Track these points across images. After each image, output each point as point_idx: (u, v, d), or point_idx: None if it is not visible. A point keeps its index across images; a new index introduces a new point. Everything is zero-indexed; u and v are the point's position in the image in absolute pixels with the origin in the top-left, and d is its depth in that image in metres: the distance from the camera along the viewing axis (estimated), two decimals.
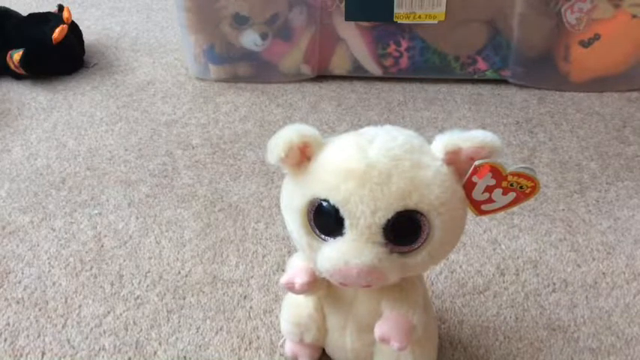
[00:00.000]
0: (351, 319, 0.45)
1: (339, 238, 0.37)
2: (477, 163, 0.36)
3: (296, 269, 0.43)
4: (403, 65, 0.91)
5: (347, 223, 0.36)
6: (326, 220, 0.37)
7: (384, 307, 0.42)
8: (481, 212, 0.39)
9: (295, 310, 0.47)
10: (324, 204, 0.37)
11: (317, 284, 0.43)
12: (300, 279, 0.42)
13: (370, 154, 0.36)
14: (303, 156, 0.38)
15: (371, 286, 0.38)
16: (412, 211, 0.36)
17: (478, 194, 0.38)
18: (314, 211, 0.38)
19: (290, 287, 0.43)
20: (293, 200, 0.39)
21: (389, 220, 0.35)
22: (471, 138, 0.36)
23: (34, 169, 0.75)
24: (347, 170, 0.36)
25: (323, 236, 0.38)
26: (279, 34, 0.89)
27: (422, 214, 0.36)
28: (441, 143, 0.37)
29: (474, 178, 0.37)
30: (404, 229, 0.36)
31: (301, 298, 0.46)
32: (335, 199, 0.36)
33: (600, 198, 0.69)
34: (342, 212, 0.36)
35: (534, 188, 0.37)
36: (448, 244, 0.39)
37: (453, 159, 0.37)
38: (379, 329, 0.41)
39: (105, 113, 0.86)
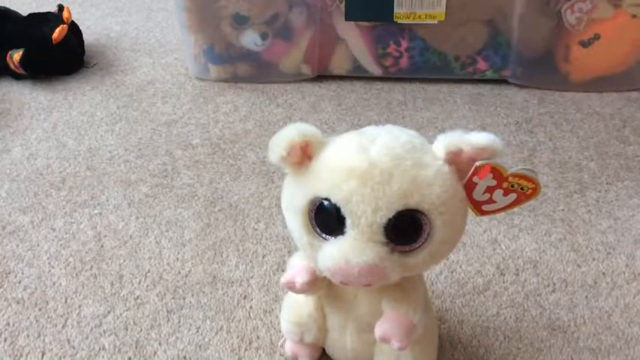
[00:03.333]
0: (351, 318, 0.45)
1: (340, 237, 0.37)
2: (477, 163, 0.36)
3: (297, 268, 0.43)
4: (403, 65, 0.91)
5: (348, 222, 0.36)
6: (327, 218, 0.37)
7: (384, 306, 0.42)
8: (482, 212, 0.39)
9: (295, 309, 0.47)
10: (326, 203, 0.37)
11: (317, 284, 0.43)
12: (300, 278, 0.42)
13: (372, 153, 0.36)
14: (304, 155, 0.38)
15: (372, 285, 0.38)
16: (413, 211, 0.36)
17: (479, 195, 0.38)
18: (315, 210, 0.38)
19: (291, 287, 0.43)
20: (294, 199, 0.39)
21: (390, 220, 0.36)
22: (472, 140, 0.36)
23: (34, 169, 0.75)
24: (348, 169, 0.36)
25: (324, 235, 0.38)
26: (279, 34, 0.89)
27: (423, 214, 0.36)
28: (443, 144, 0.37)
29: (475, 179, 0.37)
30: (405, 229, 0.36)
31: (301, 297, 0.46)
32: (336, 198, 0.36)
33: (600, 198, 0.69)
34: (344, 211, 0.36)
35: (535, 189, 0.37)
36: (449, 243, 0.39)
37: (454, 159, 0.37)
38: (380, 329, 0.41)
39: (105, 113, 0.86)
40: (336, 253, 0.37)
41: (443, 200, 0.36)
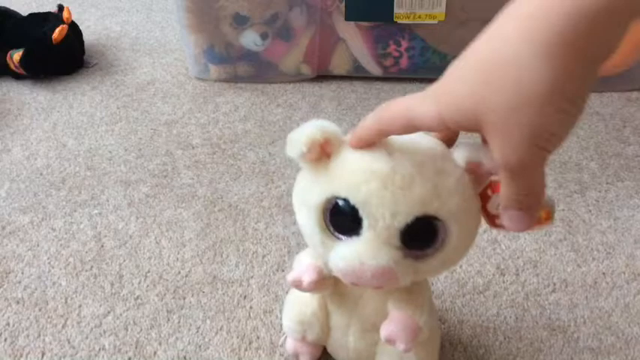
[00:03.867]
0: (355, 317, 0.45)
1: (354, 238, 0.37)
2: (493, 178, 0.36)
3: (304, 267, 0.43)
4: (403, 65, 0.91)
5: (365, 223, 0.36)
6: (343, 218, 0.37)
7: (390, 307, 0.42)
8: (494, 225, 0.39)
9: (299, 307, 0.47)
10: (343, 203, 0.36)
11: (324, 283, 0.43)
12: (308, 277, 0.42)
13: (395, 157, 0.36)
14: (322, 152, 0.38)
15: (383, 287, 0.38)
16: (431, 217, 0.36)
17: (493, 207, 0.38)
18: (331, 208, 0.37)
19: (297, 285, 0.42)
20: (310, 196, 0.38)
21: (408, 224, 0.35)
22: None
23: (34, 169, 0.75)
24: (370, 171, 0.36)
25: (338, 234, 0.38)
26: (279, 34, 0.89)
27: (440, 221, 0.36)
28: (463, 154, 0.37)
29: (489, 192, 0.37)
30: (421, 234, 0.36)
31: (306, 295, 0.46)
32: (355, 199, 0.36)
33: (600, 198, 0.69)
34: (362, 212, 0.36)
35: (548, 219, 0.37)
36: (461, 251, 0.39)
37: (473, 170, 0.37)
38: (385, 330, 0.41)
39: (105, 113, 0.86)
40: (351, 254, 0.36)
41: (461, 209, 0.36)
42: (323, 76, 0.93)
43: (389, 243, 0.36)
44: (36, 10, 1.00)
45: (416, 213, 0.35)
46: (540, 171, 0.31)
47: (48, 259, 0.62)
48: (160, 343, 0.53)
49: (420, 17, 0.85)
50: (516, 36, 0.28)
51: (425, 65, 0.90)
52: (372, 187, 0.35)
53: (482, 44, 0.31)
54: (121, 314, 0.56)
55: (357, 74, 0.93)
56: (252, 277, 0.59)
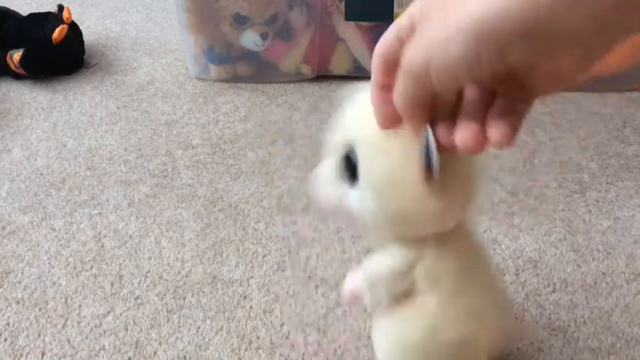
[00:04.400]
0: None
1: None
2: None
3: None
4: None
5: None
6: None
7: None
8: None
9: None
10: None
11: None
12: None
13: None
14: None
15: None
16: (350, 146, 0.38)
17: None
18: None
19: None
20: None
21: (341, 157, 0.38)
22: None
23: (34, 169, 0.75)
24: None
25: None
26: (279, 34, 0.89)
27: (355, 147, 0.38)
28: None
29: None
30: (345, 164, 0.39)
31: None
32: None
33: (600, 198, 0.69)
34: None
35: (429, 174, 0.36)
36: (393, 187, 0.36)
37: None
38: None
39: (105, 113, 0.86)
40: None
41: (373, 131, 0.37)
42: (323, 76, 0.93)
43: (338, 174, 0.39)
44: (36, 10, 1.00)
45: (342, 144, 0.38)
46: (418, 96, 0.33)
47: (48, 259, 0.62)
48: (160, 343, 0.53)
49: None
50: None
51: None
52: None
53: None
54: (121, 314, 0.56)
55: (357, 74, 0.93)
56: (252, 277, 0.59)
